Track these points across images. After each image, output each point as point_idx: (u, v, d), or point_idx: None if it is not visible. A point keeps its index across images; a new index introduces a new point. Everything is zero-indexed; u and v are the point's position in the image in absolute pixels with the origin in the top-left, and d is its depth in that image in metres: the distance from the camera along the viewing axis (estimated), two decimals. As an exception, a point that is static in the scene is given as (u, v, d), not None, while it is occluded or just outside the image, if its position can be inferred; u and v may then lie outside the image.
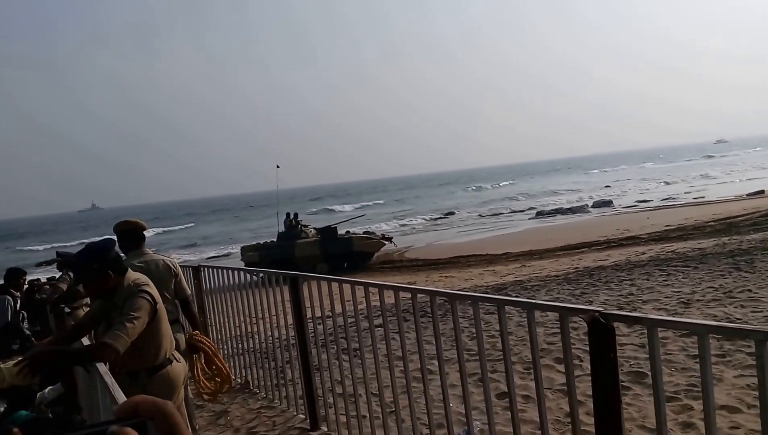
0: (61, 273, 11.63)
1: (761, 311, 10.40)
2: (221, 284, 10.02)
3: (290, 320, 8.30)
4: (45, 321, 11.06)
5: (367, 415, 6.94)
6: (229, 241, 65.76)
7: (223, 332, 10.30)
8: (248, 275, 9.95)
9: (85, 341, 5.61)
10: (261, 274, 9.21)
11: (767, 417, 3.23)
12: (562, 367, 8.62)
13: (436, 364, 6.37)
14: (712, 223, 31.54)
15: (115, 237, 6.57)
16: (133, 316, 5.08)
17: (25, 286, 14.01)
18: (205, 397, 7.84)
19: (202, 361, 7.68)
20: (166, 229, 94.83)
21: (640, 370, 8.20)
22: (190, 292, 8.09)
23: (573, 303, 12.67)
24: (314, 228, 36.59)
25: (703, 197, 54.69)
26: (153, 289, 5.47)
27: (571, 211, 56.00)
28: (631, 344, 9.13)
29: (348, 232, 37.08)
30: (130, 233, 7.40)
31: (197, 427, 7.85)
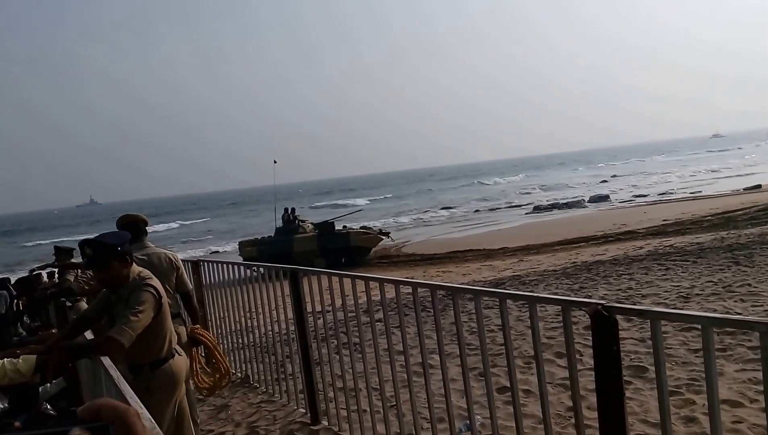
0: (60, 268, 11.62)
1: (761, 305, 10.39)
2: (221, 279, 10.02)
3: (290, 314, 8.29)
4: (45, 315, 11.05)
5: (368, 410, 6.94)
6: (230, 235, 65.66)
7: (223, 327, 10.30)
8: (247, 270, 9.94)
9: (88, 335, 5.60)
10: (261, 269, 9.21)
11: None
12: (562, 362, 8.65)
13: (436, 358, 6.39)
14: (710, 217, 31.57)
15: (127, 233, 6.56)
16: (139, 310, 5.10)
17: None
18: (204, 392, 7.85)
19: (202, 355, 7.69)
20: (183, 222, 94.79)
21: (641, 364, 8.19)
22: (191, 286, 8.10)
23: (572, 297, 12.70)
24: (312, 223, 36.60)
25: (700, 192, 54.71)
26: (157, 284, 5.49)
27: (568, 205, 55.98)
28: (631, 338, 9.13)
29: (345, 227, 37.08)
30: (132, 227, 7.41)
31: (198, 421, 7.84)
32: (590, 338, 8.22)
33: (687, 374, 7.75)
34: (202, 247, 57.55)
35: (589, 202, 57.39)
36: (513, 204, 68.91)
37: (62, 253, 12.01)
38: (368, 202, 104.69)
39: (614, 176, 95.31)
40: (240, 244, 37.29)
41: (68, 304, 7.53)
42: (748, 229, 23.59)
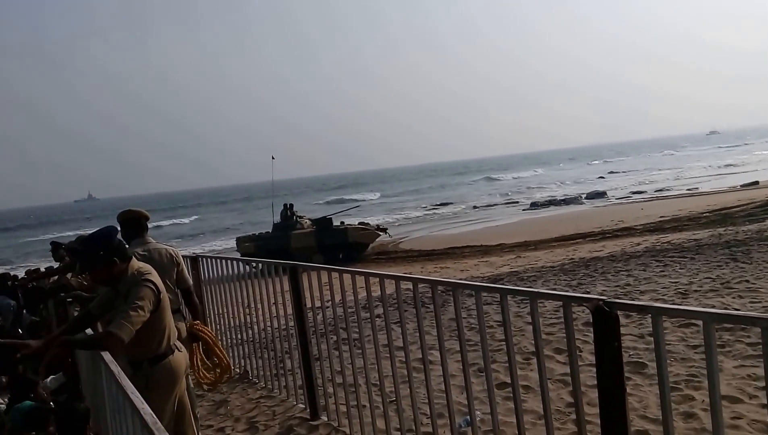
0: (59, 263, 11.59)
1: (760, 302, 10.41)
2: (220, 274, 10.02)
3: (289, 310, 8.30)
4: (45, 310, 11.02)
5: (368, 405, 6.95)
6: (233, 231, 65.54)
7: (222, 322, 10.29)
8: (246, 265, 9.95)
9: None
10: (259, 265, 9.21)
11: None
12: (561, 358, 8.68)
13: (435, 353, 6.39)
14: (707, 213, 31.54)
15: (117, 225, 6.55)
16: (137, 305, 5.11)
17: (22, 276, 13.98)
18: (204, 387, 7.86)
19: (202, 350, 7.70)
20: (183, 219, 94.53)
21: (640, 360, 8.22)
22: (191, 281, 8.10)
23: (573, 293, 12.71)
24: (309, 219, 36.56)
25: (697, 188, 54.73)
26: (157, 278, 5.48)
27: (565, 202, 55.97)
28: (630, 335, 9.14)
29: (343, 223, 37.05)
30: (134, 222, 7.42)
31: (198, 415, 7.84)
32: (589, 334, 8.29)
33: (686, 370, 7.78)
34: (202, 243, 57.53)
35: (586, 198, 57.38)
36: (512, 200, 68.84)
37: (59, 249, 11.97)
38: (380, 196, 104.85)
39: (626, 172, 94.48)
40: (237, 239, 37.22)
41: (69, 299, 7.52)
42: (746, 225, 23.59)
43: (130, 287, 5.28)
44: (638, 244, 22.58)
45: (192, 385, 7.59)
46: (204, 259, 10.57)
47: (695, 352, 8.31)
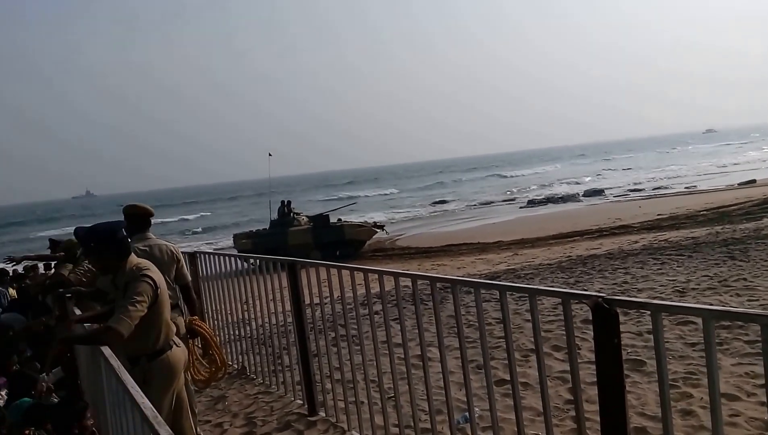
0: (56, 261, 11.58)
1: (757, 300, 10.42)
2: (218, 271, 10.02)
3: (287, 306, 8.31)
4: (42, 306, 10.99)
5: (366, 401, 6.95)
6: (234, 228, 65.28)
7: (220, 318, 10.29)
8: (244, 262, 9.95)
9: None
10: (258, 261, 9.22)
11: None
12: (559, 355, 8.69)
13: (433, 350, 6.39)
14: (705, 212, 31.63)
15: (123, 222, 6.59)
16: (135, 300, 5.17)
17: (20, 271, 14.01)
18: (199, 384, 7.88)
19: (199, 346, 7.72)
20: (183, 216, 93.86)
21: (638, 357, 8.23)
22: (190, 278, 8.11)
23: (572, 290, 12.72)
24: (306, 216, 36.66)
25: (695, 186, 54.83)
26: (155, 275, 5.53)
27: (563, 199, 56.17)
28: (629, 332, 9.14)
29: (340, 220, 37.09)
30: (138, 217, 7.44)
31: (197, 411, 7.85)
32: (587, 332, 8.31)
33: (684, 368, 7.79)
34: (201, 240, 57.50)
35: (583, 196, 57.48)
36: (508, 198, 68.80)
37: (57, 246, 11.96)
38: (397, 191, 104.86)
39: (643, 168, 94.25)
40: (235, 236, 37.35)
41: (68, 294, 7.51)
42: (743, 223, 23.64)
43: (128, 282, 5.33)
44: (636, 242, 22.63)
45: (190, 381, 7.60)
46: (202, 255, 10.56)
47: (693, 350, 8.32)
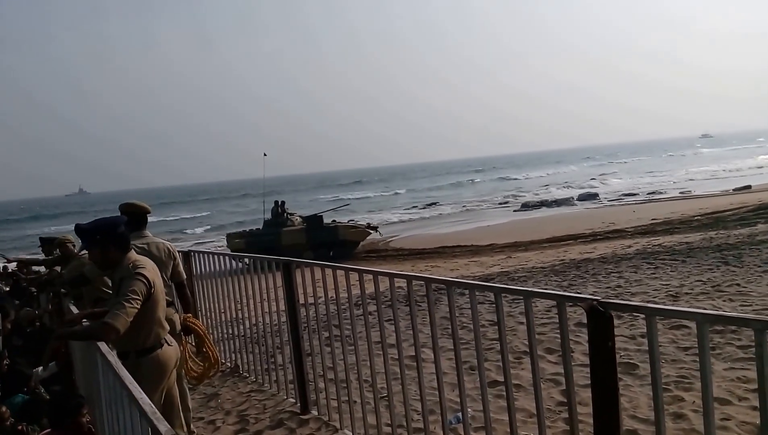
0: (51, 256, 11.58)
1: (750, 305, 10.45)
2: (211, 270, 10.04)
3: (281, 306, 8.33)
4: (36, 302, 11.03)
5: (358, 401, 6.97)
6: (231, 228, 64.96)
7: (213, 317, 10.31)
8: (239, 262, 9.97)
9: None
10: (252, 260, 9.23)
11: (766, 405, 3.27)
12: (552, 357, 8.74)
13: (426, 351, 6.42)
14: (699, 217, 31.66)
15: (125, 217, 6.63)
16: (130, 296, 5.24)
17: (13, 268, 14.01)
18: (193, 380, 7.91)
19: (192, 344, 7.75)
20: (179, 215, 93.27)
21: (631, 361, 8.27)
22: (185, 275, 8.14)
23: (568, 292, 12.73)
24: (300, 216, 36.71)
25: (690, 191, 54.94)
26: (150, 273, 5.60)
27: (557, 203, 56.13)
28: (621, 336, 9.17)
29: (334, 220, 37.14)
30: (136, 215, 7.46)
31: (191, 407, 7.87)
32: (580, 335, 8.34)
33: (676, 372, 7.84)
34: (195, 239, 57.42)
35: (578, 200, 57.52)
36: (502, 201, 68.78)
37: (48, 244, 11.95)
38: (405, 191, 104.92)
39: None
40: (228, 235, 37.39)
41: (63, 291, 7.54)
42: (738, 229, 23.68)
43: (122, 278, 5.40)
44: (629, 247, 22.65)
45: (184, 377, 7.63)
46: (196, 254, 10.57)
47: (686, 354, 8.37)
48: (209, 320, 10.35)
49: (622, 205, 50.04)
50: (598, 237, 29.52)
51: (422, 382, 5.94)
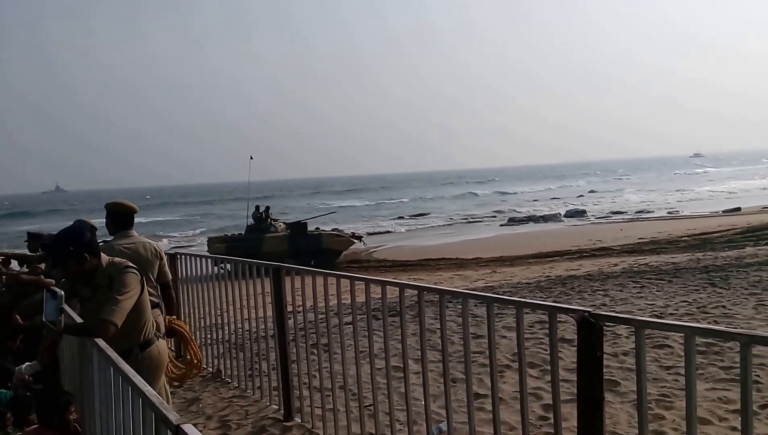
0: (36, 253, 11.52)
1: (735, 327, 10.45)
2: (196, 273, 10.03)
3: (268, 312, 8.33)
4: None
5: (342, 409, 6.96)
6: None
7: (197, 321, 10.26)
8: (224, 265, 9.94)
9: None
10: (238, 265, 9.22)
11: (747, 416, 3.39)
12: (533, 372, 8.73)
13: (411, 362, 6.42)
14: (686, 237, 31.81)
15: (85, 221, 6.63)
16: (126, 291, 5.29)
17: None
18: (174, 382, 7.90)
19: (172, 348, 7.77)
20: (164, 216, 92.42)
21: (613, 378, 8.26)
22: (171, 276, 8.13)
23: (559, 304, 12.72)
24: (284, 223, 36.69)
25: (678, 211, 55.16)
26: (135, 267, 5.61)
27: (543, 219, 56.29)
28: (605, 353, 9.17)
29: (318, 228, 37.13)
30: (122, 215, 7.45)
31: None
32: (562, 350, 8.34)
33: (657, 390, 7.85)
34: (175, 242, 57.13)
35: (565, 216, 57.68)
36: (488, 214, 68.84)
37: (37, 240, 11.91)
38: (409, 199, 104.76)
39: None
40: (209, 240, 37.34)
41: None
42: (725, 251, 23.76)
43: (113, 276, 5.41)
44: (616, 265, 22.68)
45: (165, 380, 7.63)
46: (182, 257, 10.55)
47: (668, 373, 8.38)
48: (193, 323, 10.31)
49: (609, 223, 50.19)
50: (585, 254, 29.62)
51: (408, 391, 5.95)
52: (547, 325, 4.49)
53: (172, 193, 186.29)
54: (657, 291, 14.55)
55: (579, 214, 58.76)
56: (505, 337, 10.34)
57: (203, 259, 10.07)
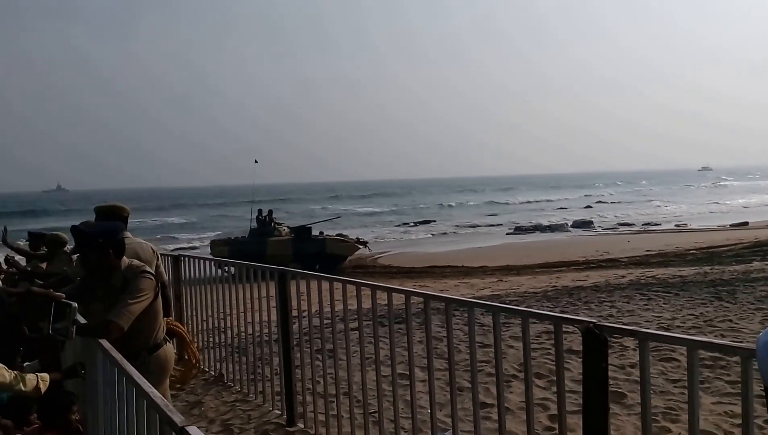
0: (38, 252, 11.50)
1: (741, 341, 10.42)
2: (199, 276, 10.04)
3: (272, 316, 8.32)
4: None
5: (347, 416, 6.95)
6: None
7: (199, 324, 10.26)
8: (227, 269, 9.92)
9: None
10: (241, 268, 9.20)
11: (748, 430, 3.43)
12: (539, 382, 8.69)
13: (417, 370, 6.39)
14: (694, 251, 31.70)
15: (122, 224, 6.68)
16: (138, 295, 5.35)
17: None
18: (175, 384, 7.90)
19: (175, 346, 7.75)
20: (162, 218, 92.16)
21: (619, 390, 8.25)
22: (166, 276, 8.18)
23: (565, 314, 12.69)
24: (288, 226, 36.66)
25: (686, 224, 55.06)
26: (152, 272, 5.64)
27: (550, 229, 56.20)
28: (611, 365, 9.11)
29: (322, 233, 37.07)
30: (116, 217, 7.47)
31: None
32: (569, 361, 8.29)
33: (664, 403, 7.84)
34: (177, 244, 57.08)
35: (572, 226, 57.58)
36: (494, 223, 68.73)
37: (39, 240, 11.90)
38: (403, 207, 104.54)
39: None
40: (212, 242, 37.37)
41: (39, 283, 7.51)
42: (732, 265, 23.65)
43: (128, 279, 5.48)
44: (623, 277, 22.58)
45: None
46: (186, 259, 10.54)
47: (674, 386, 8.37)
48: (196, 326, 10.30)
49: (617, 234, 50.10)
50: (592, 265, 29.54)
51: (414, 399, 5.92)
52: (554, 336, 4.47)
53: (196, 195, 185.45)
54: (664, 304, 14.49)
55: (586, 224, 58.63)
56: (512, 346, 10.31)
57: (208, 262, 10.04)
